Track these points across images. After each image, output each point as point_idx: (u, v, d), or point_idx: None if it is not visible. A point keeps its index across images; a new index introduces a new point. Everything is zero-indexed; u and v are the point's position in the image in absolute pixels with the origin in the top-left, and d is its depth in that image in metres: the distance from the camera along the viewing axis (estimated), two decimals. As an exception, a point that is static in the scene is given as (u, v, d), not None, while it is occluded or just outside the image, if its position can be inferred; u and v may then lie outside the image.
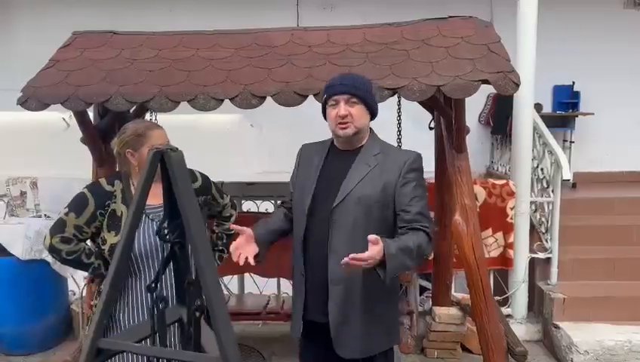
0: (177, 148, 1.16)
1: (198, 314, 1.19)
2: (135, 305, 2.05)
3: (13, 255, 3.70)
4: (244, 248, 2.02)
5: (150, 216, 2.07)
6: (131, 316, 2.05)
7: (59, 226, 2.08)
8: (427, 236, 1.98)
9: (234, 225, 2.08)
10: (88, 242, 2.16)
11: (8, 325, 3.78)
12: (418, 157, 2.10)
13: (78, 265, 2.14)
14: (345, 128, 2.03)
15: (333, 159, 2.13)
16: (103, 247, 2.09)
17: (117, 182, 2.14)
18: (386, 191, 2.02)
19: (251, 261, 2.00)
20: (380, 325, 2.09)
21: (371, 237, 1.78)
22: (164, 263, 1.21)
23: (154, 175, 1.15)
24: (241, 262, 1.98)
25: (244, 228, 2.05)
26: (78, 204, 2.09)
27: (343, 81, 2.05)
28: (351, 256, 1.74)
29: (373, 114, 2.10)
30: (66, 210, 2.10)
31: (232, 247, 2.02)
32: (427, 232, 1.98)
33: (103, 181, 2.16)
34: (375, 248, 1.78)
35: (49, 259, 3.70)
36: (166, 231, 1.19)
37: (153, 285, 1.22)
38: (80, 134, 3.03)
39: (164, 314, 1.17)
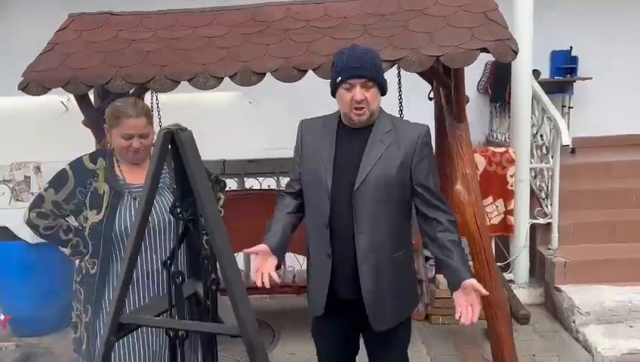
0: (186, 128, 1.19)
1: (214, 287, 1.23)
2: None
3: (22, 239, 3.75)
4: (263, 267, 1.99)
5: (133, 195, 2.10)
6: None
7: (37, 201, 2.12)
8: (455, 224, 2.07)
9: (247, 249, 2.04)
10: (70, 219, 2.18)
11: (21, 308, 3.85)
12: (428, 131, 2.10)
13: (56, 240, 2.16)
14: (361, 115, 1.98)
15: (344, 138, 2.08)
16: (84, 225, 2.12)
17: (100, 159, 2.15)
18: (403, 168, 2.02)
19: (275, 278, 1.99)
20: (405, 294, 2.14)
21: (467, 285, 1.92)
22: (179, 240, 1.25)
23: (165, 155, 1.18)
24: (266, 284, 1.97)
25: (259, 247, 2.02)
26: (58, 180, 2.12)
27: (360, 63, 1.95)
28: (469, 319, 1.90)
29: (384, 93, 2.06)
30: (47, 185, 2.13)
31: (253, 271, 2.02)
32: (454, 221, 2.06)
33: (85, 158, 2.16)
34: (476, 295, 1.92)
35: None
36: (179, 210, 1.23)
37: (169, 262, 1.27)
38: (80, 116, 3.05)
39: (182, 288, 1.21)
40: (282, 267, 4.10)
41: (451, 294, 1.98)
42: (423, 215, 2.06)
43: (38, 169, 4.27)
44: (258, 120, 5.85)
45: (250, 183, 4.36)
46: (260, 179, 4.37)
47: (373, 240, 2.00)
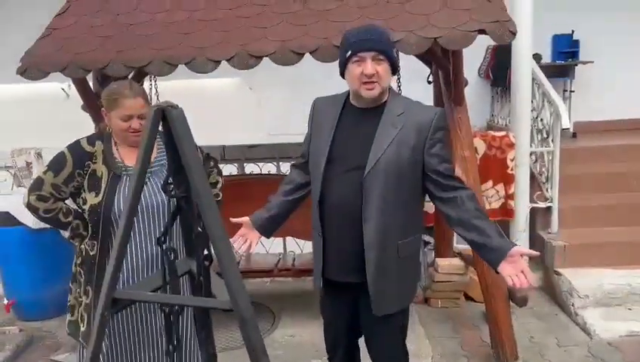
0: (177, 106, 1.20)
1: (207, 263, 1.25)
2: (126, 266, 2.10)
3: (23, 224, 3.78)
4: (248, 235, 2.19)
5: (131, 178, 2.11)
6: (126, 276, 2.11)
7: (36, 184, 2.13)
8: (475, 198, 1.99)
9: (233, 219, 2.19)
10: (69, 202, 2.21)
11: (25, 292, 3.90)
12: (442, 114, 2.01)
13: (56, 223, 2.18)
14: (371, 89, 1.91)
15: (350, 118, 2.02)
16: (83, 207, 2.14)
17: (98, 142, 2.16)
18: (415, 153, 1.95)
19: (251, 250, 2.19)
20: (408, 281, 2.13)
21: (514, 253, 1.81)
22: (172, 217, 1.26)
23: (156, 133, 1.19)
24: (243, 249, 2.18)
25: (244, 218, 2.19)
26: (56, 163, 2.14)
27: (370, 36, 1.91)
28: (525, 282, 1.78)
29: (395, 70, 2.00)
30: (45, 168, 2.15)
31: (235, 237, 2.15)
32: (473, 195, 1.98)
33: (83, 141, 2.18)
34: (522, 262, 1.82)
35: (59, 227, 3.78)
36: (171, 187, 1.24)
37: (162, 238, 1.28)
38: (80, 103, 3.06)
39: (175, 264, 1.23)
40: (283, 252, 4.13)
41: (495, 270, 1.84)
42: (440, 198, 1.98)
43: (39, 155, 4.29)
44: (259, 106, 5.84)
45: (251, 169, 4.36)
46: (260, 164, 4.37)
47: (381, 226, 1.95)
